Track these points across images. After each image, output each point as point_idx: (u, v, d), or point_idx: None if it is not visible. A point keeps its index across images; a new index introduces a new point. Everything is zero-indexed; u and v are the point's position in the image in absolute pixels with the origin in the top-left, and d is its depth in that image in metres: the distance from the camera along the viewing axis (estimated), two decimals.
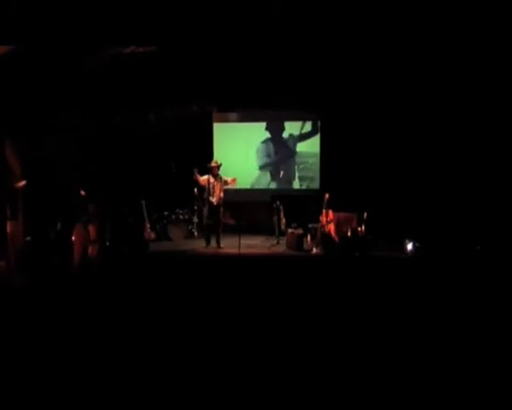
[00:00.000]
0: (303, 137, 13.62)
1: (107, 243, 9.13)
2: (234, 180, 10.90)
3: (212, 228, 10.85)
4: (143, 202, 11.10)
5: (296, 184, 13.63)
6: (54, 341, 4.80)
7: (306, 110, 13.29)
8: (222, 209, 10.77)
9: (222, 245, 10.70)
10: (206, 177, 10.71)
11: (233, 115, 13.97)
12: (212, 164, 10.79)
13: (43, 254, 7.65)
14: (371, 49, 8.97)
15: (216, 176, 10.68)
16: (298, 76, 10.35)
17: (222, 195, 10.68)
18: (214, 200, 10.57)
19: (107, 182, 9.91)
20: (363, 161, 12.32)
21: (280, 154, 13.67)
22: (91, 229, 8.55)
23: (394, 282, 7.65)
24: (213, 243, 10.74)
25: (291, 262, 9.63)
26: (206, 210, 10.90)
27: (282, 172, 11.92)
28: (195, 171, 10.59)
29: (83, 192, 8.68)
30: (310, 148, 13.59)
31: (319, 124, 13.53)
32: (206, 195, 10.78)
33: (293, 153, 13.61)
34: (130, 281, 7.58)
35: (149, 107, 11.84)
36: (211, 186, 10.62)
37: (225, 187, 10.87)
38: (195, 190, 11.86)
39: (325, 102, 12.41)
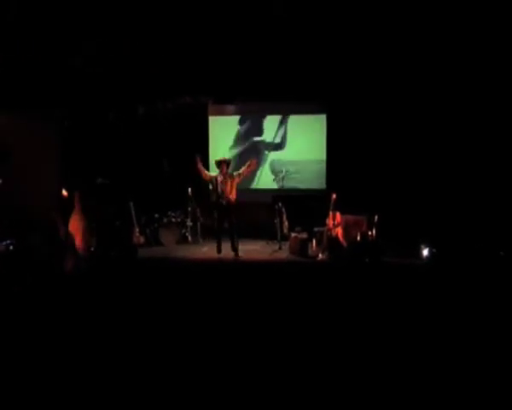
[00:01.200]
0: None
1: (92, 249, 9.09)
2: (250, 166, 10.55)
3: (219, 233, 10.58)
4: (132, 204, 11.08)
5: (300, 184, 13.62)
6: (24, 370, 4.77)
7: (312, 102, 13.28)
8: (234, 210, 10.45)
9: (240, 254, 10.44)
10: (213, 174, 10.44)
11: (231, 108, 13.93)
12: (220, 159, 10.52)
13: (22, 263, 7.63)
14: (384, 34, 8.99)
15: (225, 174, 10.34)
16: (303, 64, 10.34)
17: (234, 194, 10.33)
18: (224, 201, 10.23)
19: (90, 181, 9.92)
20: (373, 158, 12.31)
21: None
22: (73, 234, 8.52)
23: (409, 292, 7.60)
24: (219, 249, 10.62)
25: (294, 270, 9.59)
26: (215, 213, 10.54)
27: (284, 171, 11.86)
28: (198, 159, 10.21)
29: (65, 192, 8.65)
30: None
31: (325, 117, 13.50)
32: (214, 197, 10.40)
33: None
34: (116, 292, 7.51)
35: (138, 99, 11.83)
36: (219, 186, 10.22)
37: (241, 179, 10.52)
38: (189, 190, 11.84)
39: (332, 93, 12.42)
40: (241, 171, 10.53)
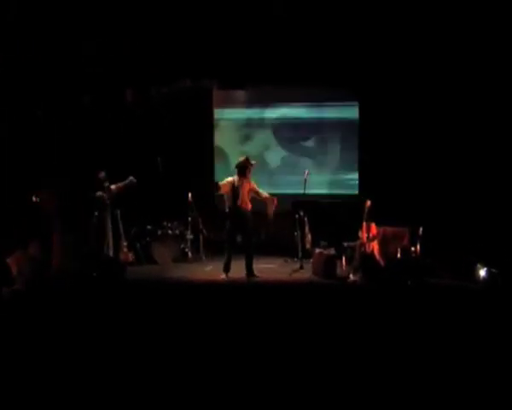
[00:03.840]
0: None
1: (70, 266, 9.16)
2: (270, 201, 10.53)
3: (230, 247, 10.55)
4: (118, 212, 11.11)
5: (327, 188, 13.64)
6: None
7: (341, 88, 13.31)
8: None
9: (256, 273, 10.45)
10: (230, 179, 10.42)
11: (240, 94, 14.00)
12: (244, 160, 10.46)
13: None
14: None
15: (244, 179, 10.32)
16: (330, 39, 10.40)
17: (250, 204, 10.38)
18: (241, 209, 10.25)
19: (67, 184, 9.98)
20: (417, 156, 12.31)
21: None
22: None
23: (462, 321, 7.51)
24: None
25: (319, 294, 9.55)
26: (228, 224, 10.55)
27: (306, 172, 11.83)
28: (218, 185, 10.33)
29: (34, 198, 8.70)
30: None
31: (358, 108, 13.55)
32: (229, 203, 10.41)
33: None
34: (96, 322, 7.45)
35: (125, 82, 11.88)
36: (236, 190, 10.25)
37: (254, 194, 10.54)
38: (189, 195, 11.88)
39: (366, 76, 12.46)
40: (260, 192, 10.54)
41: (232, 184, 10.30)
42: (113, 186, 10.89)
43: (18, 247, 8.77)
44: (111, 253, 10.84)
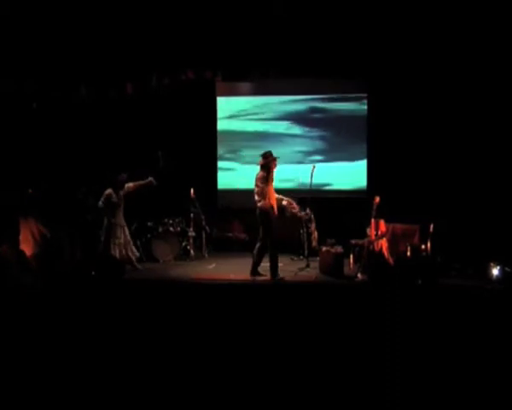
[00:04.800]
0: None
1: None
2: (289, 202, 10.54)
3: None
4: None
5: (334, 184, 13.59)
6: None
7: (350, 79, 13.26)
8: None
9: (262, 272, 10.27)
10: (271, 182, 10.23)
11: (245, 86, 13.99)
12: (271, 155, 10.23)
13: None
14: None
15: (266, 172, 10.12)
16: (337, 30, 10.36)
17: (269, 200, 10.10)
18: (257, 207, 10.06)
19: (64, 178, 9.92)
20: (428, 150, 12.26)
21: None
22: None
23: (474, 323, 7.38)
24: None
25: (326, 293, 9.46)
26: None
27: (313, 166, 11.69)
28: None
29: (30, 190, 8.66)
30: None
31: (366, 100, 13.49)
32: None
33: None
34: (92, 323, 7.35)
35: (125, 72, 11.85)
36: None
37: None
38: (192, 191, 11.86)
39: (375, 67, 12.42)
40: (283, 199, 10.55)
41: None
42: (131, 184, 10.91)
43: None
44: (122, 253, 10.81)
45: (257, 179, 10.08)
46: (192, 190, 11.91)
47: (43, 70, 10.28)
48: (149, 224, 12.03)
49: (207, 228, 12.37)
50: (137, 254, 11.20)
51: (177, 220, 12.34)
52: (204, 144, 13.43)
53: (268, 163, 10.08)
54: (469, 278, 9.93)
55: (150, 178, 10.93)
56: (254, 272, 10.21)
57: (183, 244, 12.40)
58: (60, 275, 9.19)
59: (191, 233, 12.37)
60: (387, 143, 12.77)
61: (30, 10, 9.26)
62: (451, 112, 12.03)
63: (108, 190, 10.65)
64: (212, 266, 11.44)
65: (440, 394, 5.09)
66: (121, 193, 10.75)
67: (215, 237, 13.18)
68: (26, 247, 9.22)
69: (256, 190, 10.06)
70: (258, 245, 10.18)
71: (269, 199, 9.96)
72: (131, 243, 11.08)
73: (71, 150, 11.07)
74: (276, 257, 10.11)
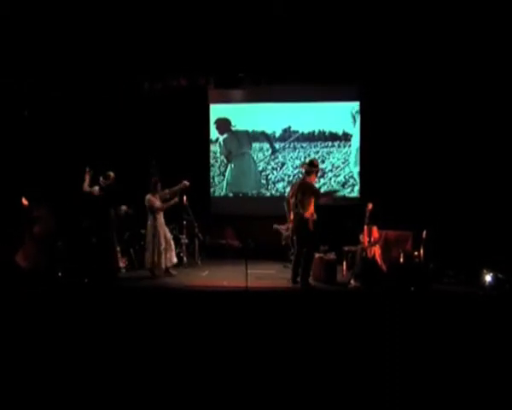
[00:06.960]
0: None
1: (59, 274, 9.12)
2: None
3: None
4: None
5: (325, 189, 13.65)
6: None
7: (343, 85, 13.33)
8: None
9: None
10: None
11: (237, 93, 14.01)
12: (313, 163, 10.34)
13: None
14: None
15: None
16: (330, 34, 10.43)
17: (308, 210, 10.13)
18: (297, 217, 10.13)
19: (57, 186, 9.95)
20: (420, 157, 12.32)
21: None
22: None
23: (467, 330, 7.46)
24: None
25: (319, 300, 9.54)
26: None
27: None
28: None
29: (25, 201, 8.69)
30: None
31: (358, 106, 13.57)
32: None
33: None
34: (90, 330, 7.43)
35: (116, 77, 11.87)
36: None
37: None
38: (185, 198, 11.82)
39: (368, 74, 12.45)
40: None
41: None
42: (166, 191, 11.08)
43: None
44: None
45: (298, 188, 10.11)
46: (185, 198, 11.85)
47: (37, 73, 10.28)
48: (142, 231, 11.95)
49: (200, 235, 12.39)
50: (175, 259, 11.36)
51: (170, 227, 12.32)
52: (197, 151, 13.50)
53: (317, 172, 10.30)
54: (462, 285, 9.97)
55: (184, 182, 11.05)
56: (307, 283, 10.14)
57: (176, 251, 12.22)
58: (54, 282, 9.21)
59: (184, 240, 12.39)
60: (380, 148, 12.83)
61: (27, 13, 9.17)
62: (444, 119, 12.09)
63: (149, 196, 10.85)
64: (206, 273, 11.45)
65: (434, 398, 5.18)
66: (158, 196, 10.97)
67: (208, 244, 13.22)
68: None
69: (296, 200, 10.09)
70: (295, 255, 10.28)
71: (310, 208, 10.04)
72: (173, 245, 11.29)
73: (62, 156, 11.08)
74: (311, 267, 10.23)
